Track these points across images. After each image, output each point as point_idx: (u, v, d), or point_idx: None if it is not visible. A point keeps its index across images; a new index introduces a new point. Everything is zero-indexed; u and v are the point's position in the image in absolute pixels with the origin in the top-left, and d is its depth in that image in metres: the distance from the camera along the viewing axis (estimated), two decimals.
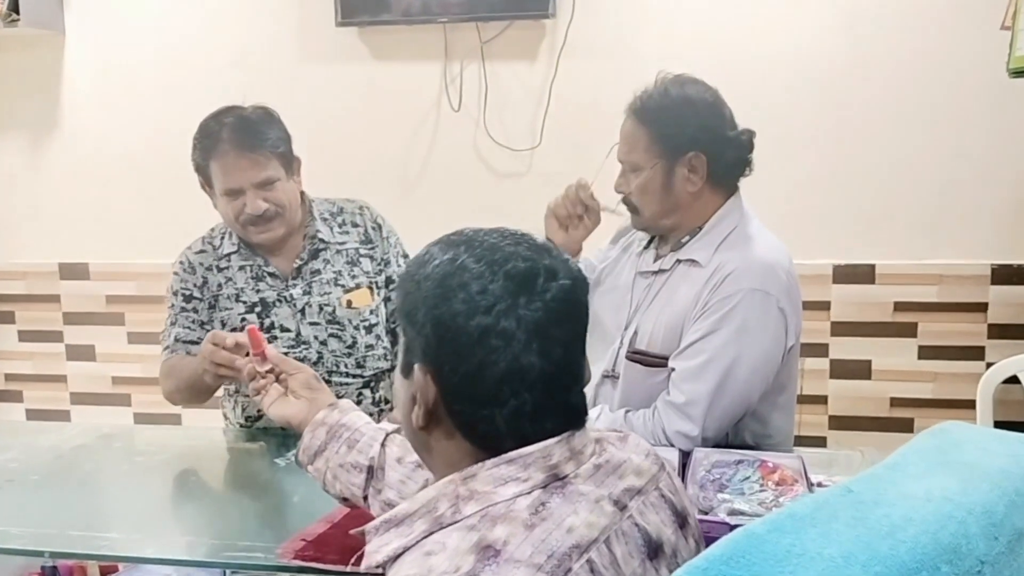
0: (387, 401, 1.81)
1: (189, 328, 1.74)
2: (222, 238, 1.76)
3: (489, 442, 0.75)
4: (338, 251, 1.76)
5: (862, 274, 2.39)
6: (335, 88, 2.58)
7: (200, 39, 2.64)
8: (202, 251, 1.77)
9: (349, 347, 1.74)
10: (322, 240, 1.75)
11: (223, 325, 1.73)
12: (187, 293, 1.74)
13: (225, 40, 2.62)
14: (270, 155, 1.64)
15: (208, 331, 1.70)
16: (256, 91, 2.51)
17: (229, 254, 1.74)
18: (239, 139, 1.61)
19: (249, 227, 1.66)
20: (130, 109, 2.71)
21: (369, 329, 1.76)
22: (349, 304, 1.74)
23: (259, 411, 1.76)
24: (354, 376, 1.75)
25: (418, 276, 0.77)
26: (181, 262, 1.76)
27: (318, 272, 1.74)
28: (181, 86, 2.65)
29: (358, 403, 1.75)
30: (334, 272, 1.75)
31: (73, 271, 2.81)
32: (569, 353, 0.77)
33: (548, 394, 0.75)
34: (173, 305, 1.75)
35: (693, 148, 1.44)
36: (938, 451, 0.67)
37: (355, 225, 1.80)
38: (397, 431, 1.08)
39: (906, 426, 2.42)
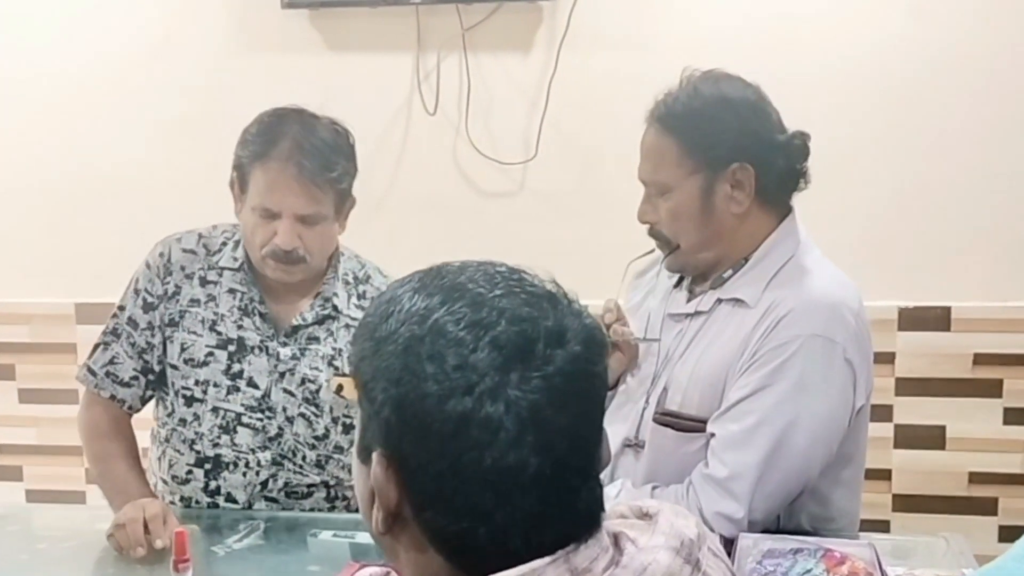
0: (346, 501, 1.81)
1: (126, 352, 1.74)
2: (223, 244, 1.77)
3: (469, 558, 0.72)
4: (348, 326, 1.75)
5: (934, 319, 2.42)
6: (279, 85, 2.56)
7: (110, 23, 2.64)
8: (191, 251, 1.76)
9: (316, 438, 1.75)
10: (335, 307, 1.76)
11: (181, 350, 1.72)
12: (148, 300, 1.74)
13: (141, 24, 2.63)
14: (328, 189, 1.65)
15: (148, 358, 1.73)
16: (180, 88, 2.55)
17: (224, 268, 1.75)
18: (300, 159, 1.62)
19: (269, 259, 1.67)
20: (20, 116, 2.68)
21: (347, 430, 1.76)
22: (339, 390, 1.72)
23: (187, 474, 1.76)
24: (308, 472, 1.75)
25: (378, 333, 0.75)
26: (161, 254, 1.76)
27: (316, 340, 1.75)
28: (86, 84, 2.64)
29: (308, 495, 1.74)
30: (333, 348, 1.76)
31: None
32: (576, 446, 0.73)
33: (547, 501, 0.71)
34: (123, 309, 1.75)
35: (737, 158, 1.46)
36: None
37: None
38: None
39: (988, 508, 2.44)
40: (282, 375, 1.73)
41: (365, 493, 0.77)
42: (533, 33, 2.49)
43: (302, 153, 1.62)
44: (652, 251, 1.60)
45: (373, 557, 1.49)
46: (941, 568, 1.44)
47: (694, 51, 2.25)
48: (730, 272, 1.51)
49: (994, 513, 2.43)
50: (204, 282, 1.74)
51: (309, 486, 1.76)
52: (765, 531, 1.41)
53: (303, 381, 1.73)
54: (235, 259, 1.74)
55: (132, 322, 1.74)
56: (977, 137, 2.38)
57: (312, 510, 1.76)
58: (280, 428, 1.73)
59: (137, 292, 1.75)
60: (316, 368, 1.74)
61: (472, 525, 0.71)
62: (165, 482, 1.79)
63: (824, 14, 2.39)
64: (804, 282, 1.46)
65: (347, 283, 1.79)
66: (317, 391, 1.73)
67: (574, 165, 2.50)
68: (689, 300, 1.56)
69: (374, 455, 0.74)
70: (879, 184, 2.41)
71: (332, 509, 1.78)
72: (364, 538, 1.58)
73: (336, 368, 1.75)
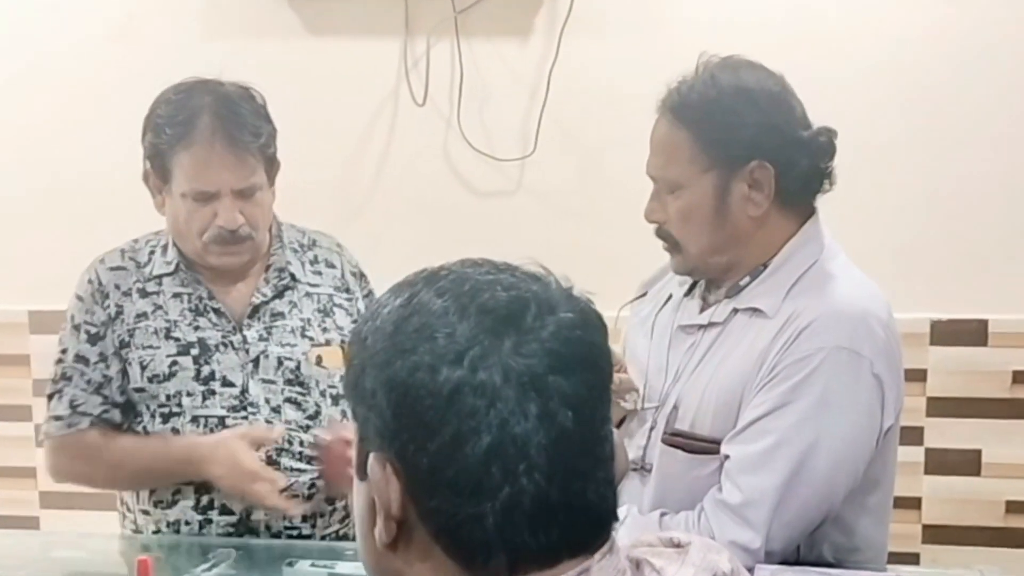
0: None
1: (84, 391, 1.75)
2: (151, 254, 1.79)
3: (478, 556, 0.74)
4: (308, 294, 1.81)
5: (970, 333, 2.43)
6: (256, 73, 2.52)
7: (67, 2, 2.64)
8: (120, 268, 1.79)
9: (310, 418, 1.78)
10: (292, 276, 1.80)
11: (142, 370, 1.74)
12: (91, 331, 1.76)
13: (101, 4, 2.63)
14: (259, 156, 1.69)
15: (108, 392, 1.75)
16: (144, 78, 2.53)
17: (160, 276, 1.77)
18: (226, 130, 1.65)
19: (212, 245, 1.70)
20: None
21: (336, 400, 1.79)
22: (319, 361, 1.78)
23: (174, 495, 1.76)
24: (311, 460, 1.76)
25: (364, 333, 0.78)
26: (89, 280, 1.78)
27: (281, 315, 1.78)
28: (40, 74, 2.64)
29: (308, 497, 1.77)
30: (302, 319, 1.79)
31: None
32: (583, 418, 0.74)
33: (555, 482, 0.73)
34: (66, 351, 1.77)
35: (755, 156, 1.47)
36: None
37: (330, 265, 1.85)
38: None
39: None
40: (256, 364, 1.75)
41: (365, 510, 0.79)
42: (532, 17, 2.51)
43: (226, 124, 1.65)
44: (644, 294, 1.64)
45: None
46: None
47: (708, 38, 2.24)
48: (747, 279, 1.52)
49: None
50: (144, 293, 1.77)
51: (309, 488, 1.76)
52: (783, 562, 1.42)
53: (280, 363, 1.76)
54: (168, 263, 1.77)
55: (81, 359, 1.75)
56: (1017, 136, 2.40)
57: (314, 516, 1.77)
58: (268, 422, 1.74)
59: (77, 328, 1.76)
60: (289, 344, 1.77)
61: (480, 510, 0.73)
62: (146, 512, 1.79)
63: (846, 5, 2.41)
64: (828, 290, 1.47)
65: (295, 251, 1.83)
66: (297, 368, 1.76)
67: (576, 162, 2.51)
68: (702, 310, 1.57)
69: (370, 459, 0.76)
70: (911, 185, 2.43)
71: (333, 512, 1.81)
72: (345, 568, 1.58)
73: (311, 339, 1.78)
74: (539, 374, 0.73)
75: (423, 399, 0.73)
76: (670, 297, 1.64)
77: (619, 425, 1.63)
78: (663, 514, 1.49)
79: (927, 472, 2.47)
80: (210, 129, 1.65)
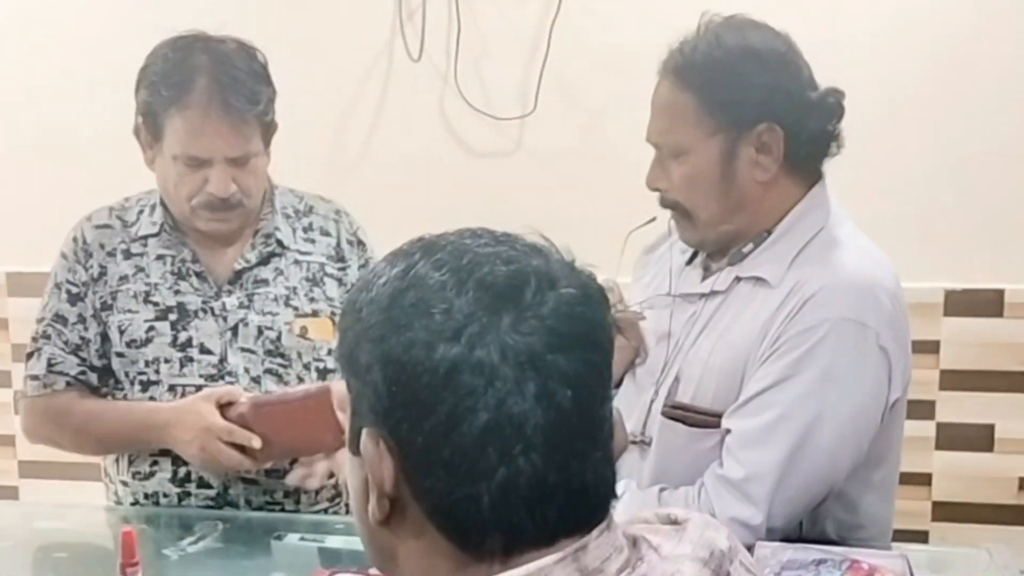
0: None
1: (62, 351, 1.76)
2: (139, 213, 1.80)
3: (472, 536, 0.76)
4: (297, 262, 1.80)
5: (985, 303, 2.45)
6: (243, 25, 2.53)
7: None
8: (106, 226, 1.80)
9: None
10: (279, 242, 1.80)
11: (120, 334, 1.75)
12: (73, 291, 1.77)
13: None
14: (256, 123, 1.68)
15: (85, 354, 1.76)
16: (131, 28, 2.54)
17: (146, 236, 1.78)
18: (223, 95, 1.64)
19: (201, 211, 1.71)
20: None
21: (322, 375, 1.79)
22: (304, 333, 1.78)
23: (152, 466, 1.78)
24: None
25: (359, 303, 0.78)
26: (75, 239, 1.79)
27: (264, 283, 1.79)
28: (19, 26, 2.64)
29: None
30: (287, 288, 1.79)
31: None
32: (582, 398, 0.75)
33: (552, 463, 0.74)
34: (48, 306, 1.78)
35: (764, 118, 1.47)
36: None
37: (326, 234, 1.84)
38: None
39: None
40: (235, 332, 1.76)
41: (359, 485, 0.80)
42: None
43: (223, 89, 1.64)
44: (653, 219, 1.61)
45: (344, 564, 1.52)
46: None
47: None
48: (750, 246, 1.52)
49: None
50: (128, 255, 1.77)
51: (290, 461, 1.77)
52: (785, 539, 1.44)
53: (260, 332, 1.76)
54: (154, 223, 1.77)
55: (60, 319, 1.77)
56: None
57: (296, 492, 1.78)
58: (247, 392, 1.74)
59: (59, 287, 1.78)
60: (271, 313, 1.77)
61: (475, 490, 0.74)
62: (125, 483, 1.82)
63: None
64: (834, 259, 1.48)
65: (288, 217, 1.82)
66: (278, 338, 1.76)
67: (578, 122, 2.52)
68: (704, 278, 1.58)
69: (363, 433, 0.77)
70: (925, 149, 2.44)
71: (321, 489, 1.81)
72: (334, 542, 1.61)
73: (296, 309, 1.78)
74: (538, 352, 0.73)
75: (419, 376, 0.73)
76: (672, 265, 1.66)
77: (619, 383, 1.63)
78: (662, 489, 1.51)
79: (938, 447, 2.50)
80: (207, 93, 1.64)
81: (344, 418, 1.64)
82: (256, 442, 1.62)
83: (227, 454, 1.63)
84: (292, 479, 1.70)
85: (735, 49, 1.48)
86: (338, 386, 1.64)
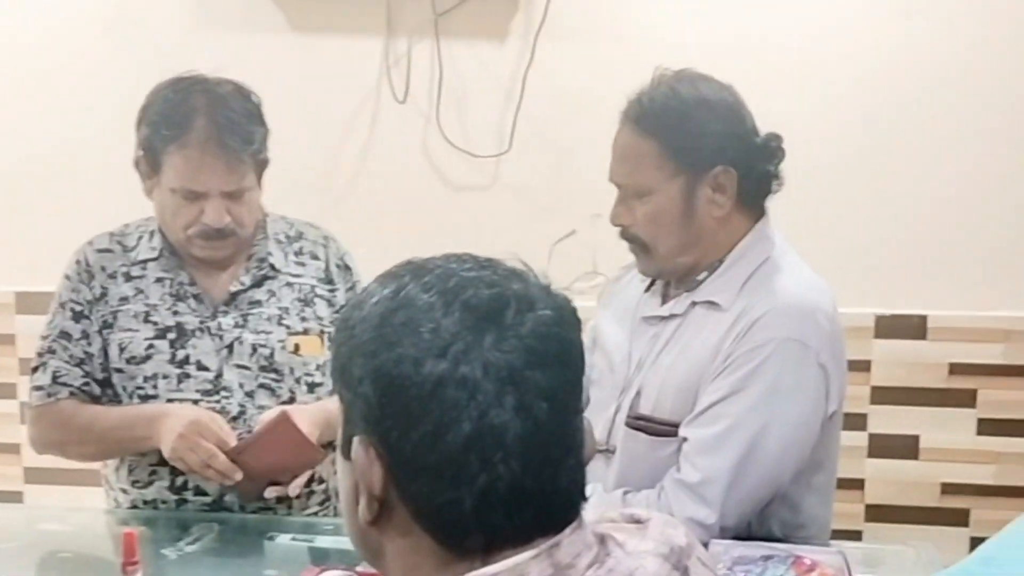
0: (326, 492, 1.84)
1: (67, 364, 1.75)
2: (139, 239, 1.80)
3: (455, 535, 0.77)
4: (289, 284, 1.80)
5: (911, 327, 2.50)
6: (240, 67, 2.50)
7: None
8: (107, 251, 1.79)
9: (283, 404, 1.75)
10: (272, 266, 1.80)
11: (120, 351, 1.75)
12: (77, 309, 1.76)
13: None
14: (250, 161, 1.69)
15: (89, 367, 1.75)
16: (133, 68, 2.53)
17: (146, 260, 1.77)
18: (220, 136, 1.65)
19: (197, 239, 1.71)
20: None
21: (312, 388, 1.79)
22: (296, 349, 1.78)
23: (150, 475, 1.77)
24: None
25: (352, 321, 0.79)
26: (78, 261, 1.78)
27: (258, 304, 1.78)
28: (31, 61, 2.62)
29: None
30: (279, 308, 1.79)
31: None
32: (556, 410, 0.76)
33: (529, 470, 0.75)
34: (53, 323, 1.77)
35: (719, 162, 1.51)
36: None
37: (315, 258, 1.85)
38: None
39: (960, 519, 2.53)
40: (231, 350, 1.75)
41: (349, 487, 0.81)
42: (509, 21, 2.52)
43: (220, 130, 1.64)
44: (572, 232, 1.60)
45: (333, 561, 1.52)
46: None
47: (676, 43, 2.30)
48: (705, 274, 1.56)
49: (966, 524, 2.52)
50: (129, 277, 1.77)
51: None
52: (736, 537, 1.46)
53: (254, 350, 1.76)
54: (153, 249, 1.77)
55: (65, 335, 1.76)
56: (958, 144, 2.45)
57: (286, 498, 1.75)
58: (241, 406, 1.75)
59: (63, 306, 1.77)
60: (264, 331, 1.77)
61: (458, 495, 0.75)
62: (125, 491, 1.81)
63: (805, 13, 2.45)
64: (778, 285, 1.51)
65: (279, 242, 1.82)
66: (271, 355, 1.76)
67: (549, 160, 2.54)
68: (663, 303, 1.61)
69: (355, 441, 0.79)
70: (857, 189, 2.48)
71: (311, 495, 1.80)
72: (324, 542, 1.61)
73: (288, 327, 1.78)
74: (517, 368, 0.75)
75: (407, 390, 0.74)
76: (633, 292, 1.69)
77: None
78: (626, 492, 1.53)
79: (870, 456, 2.53)
80: (204, 133, 1.64)
81: (310, 432, 1.67)
82: (238, 475, 1.61)
83: (204, 446, 1.60)
84: (270, 493, 1.68)
85: (690, 99, 1.52)
86: (293, 407, 1.67)
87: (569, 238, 1.65)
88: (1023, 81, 2.43)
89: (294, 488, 1.67)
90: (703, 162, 1.51)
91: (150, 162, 1.70)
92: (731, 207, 1.53)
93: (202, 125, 1.64)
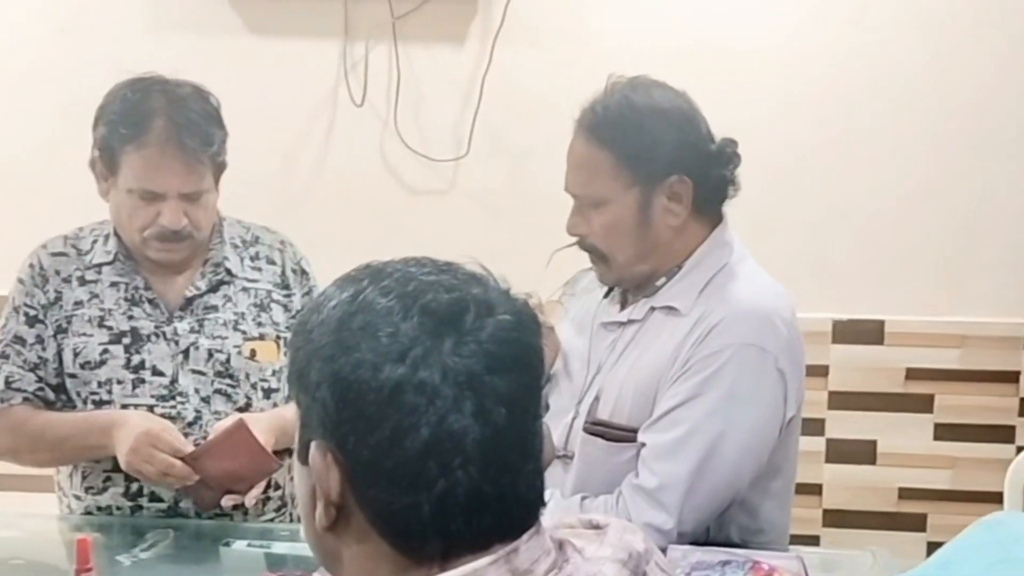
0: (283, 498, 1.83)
1: (20, 369, 1.74)
2: (94, 242, 1.78)
3: (413, 541, 0.76)
4: (245, 289, 1.79)
5: (868, 332, 2.52)
6: (197, 70, 2.49)
7: None
8: (61, 254, 1.77)
9: (239, 409, 1.75)
10: (228, 271, 1.78)
11: (75, 356, 1.73)
12: (31, 313, 1.75)
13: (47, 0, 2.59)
14: (209, 163, 1.68)
15: (43, 372, 1.74)
16: (86, 70, 2.51)
17: (100, 264, 1.76)
18: (179, 137, 1.64)
19: (153, 241, 1.70)
20: None
21: (268, 394, 1.78)
22: (252, 355, 1.77)
23: (104, 481, 1.75)
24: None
25: (310, 324, 0.78)
26: (31, 265, 1.77)
27: (214, 309, 1.77)
28: None
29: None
30: (235, 314, 1.78)
31: None
32: (516, 415, 0.76)
33: (488, 475, 0.75)
34: (7, 328, 1.75)
35: (674, 171, 1.51)
36: (998, 546, 0.71)
37: (271, 262, 1.84)
38: None
39: (917, 523, 2.56)
40: (186, 355, 1.74)
41: (306, 493, 0.80)
42: (467, 25, 2.53)
43: (180, 131, 1.64)
44: (577, 241, 1.60)
45: (289, 567, 1.51)
46: None
47: (634, 47, 2.31)
48: (663, 280, 1.56)
49: (923, 529, 2.55)
50: (83, 281, 1.76)
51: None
52: (694, 543, 1.46)
53: (210, 355, 1.74)
54: (108, 252, 1.76)
55: (19, 339, 1.74)
56: (913, 152, 2.48)
57: (242, 505, 1.74)
58: (197, 411, 1.73)
59: (17, 310, 1.75)
60: (220, 336, 1.76)
61: (416, 500, 0.74)
62: (79, 497, 1.78)
63: (759, 20, 2.47)
64: (736, 291, 1.52)
65: (236, 247, 1.81)
66: (227, 361, 1.75)
67: (506, 164, 2.54)
68: (622, 309, 1.61)
69: (312, 446, 0.77)
70: (815, 196, 2.50)
71: (267, 501, 1.79)
72: (280, 548, 1.61)
73: (244, 333, 1.77)
74: (476, 373, 0.74)
75: (365, 395, 0.74)
76: (593, 298, 1.69)
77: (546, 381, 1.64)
78: (584, 498, 1.52)
79: (827, 461, 2.55)
80: (164, 134, 1.63)
81: (266, 441, 1.67)
82: (195, 476, 1.61)
83: (159, 457, 1.59)
84: (227, 502, 1.67)
85: (644, 108, 1.51)
86: (249, 416, 1.67)
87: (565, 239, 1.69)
88: (976, 87, 2.47)
89: (250, 499, 1.66)
90: (658, 172, 1.51)
91: (107, 162, 1.69)
92: (687, 215, 1.54)
93: (161, 125, 1.64)
